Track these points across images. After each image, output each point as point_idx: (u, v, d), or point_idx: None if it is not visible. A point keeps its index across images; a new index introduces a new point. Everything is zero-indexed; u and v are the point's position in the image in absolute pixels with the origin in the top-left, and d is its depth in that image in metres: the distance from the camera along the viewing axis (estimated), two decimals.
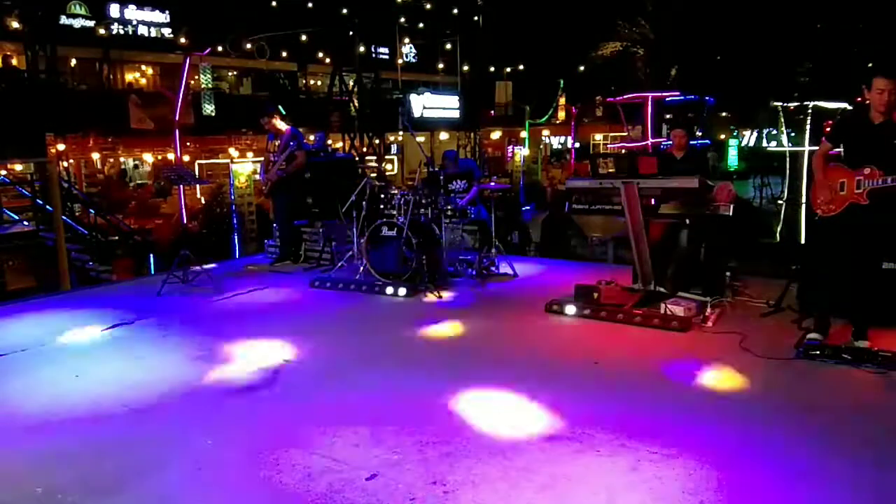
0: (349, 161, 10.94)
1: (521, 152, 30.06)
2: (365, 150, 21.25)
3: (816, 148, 4.86)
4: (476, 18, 29.07)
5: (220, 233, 14.77)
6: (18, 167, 15.77)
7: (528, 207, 21.81)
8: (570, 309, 5.85)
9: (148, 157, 23.47)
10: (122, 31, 23.12)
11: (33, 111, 13.34)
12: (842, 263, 4.73)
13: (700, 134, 21.92)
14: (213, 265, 8.25)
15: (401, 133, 26.52)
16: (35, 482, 3.23)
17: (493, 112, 34.78)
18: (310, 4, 27.27)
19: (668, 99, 22.72)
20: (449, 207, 7.19)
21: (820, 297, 5.02)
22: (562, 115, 35.07)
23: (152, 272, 12.98)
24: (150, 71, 26.17)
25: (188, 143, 21.36)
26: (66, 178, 18.17)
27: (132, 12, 23.32)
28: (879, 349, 4.56)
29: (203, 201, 17.77)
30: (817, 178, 4.82)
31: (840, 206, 4.66)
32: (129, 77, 25.33)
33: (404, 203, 7.00)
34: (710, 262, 6.20)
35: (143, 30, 23.67)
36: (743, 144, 30.12)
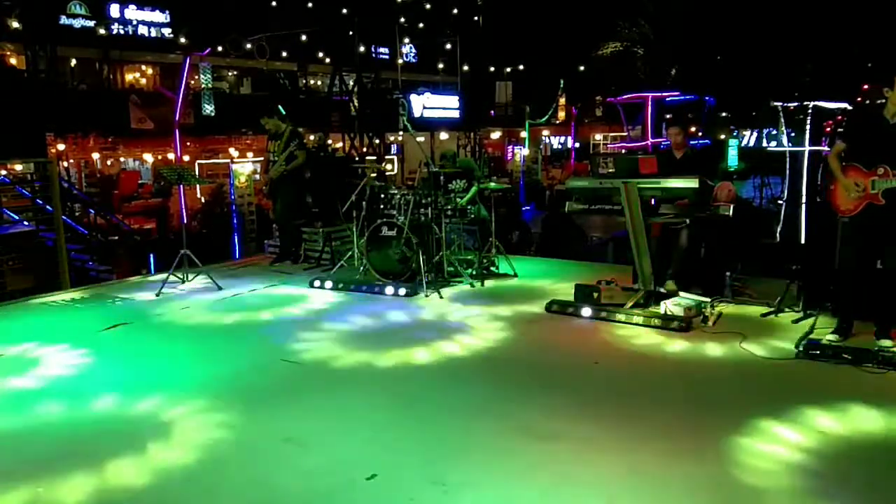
0: (349, 161, 10.95)
1: (521, 152, 30.05)
2: (365, 150, 21.24)
3: (820, 149, 4.85)
4: (476, 18, 29.06)
5: (220, 233, 14.77)
6: (18, 167, 15.76)
7: (528, 207, 21.79)
8: (570, 309, 5.86)
9: (148, 157, 23.47)
10: (122, 31, 23.11)
11: (33, 111, 13.32)
12: (864, 264, 4.71)
13: (700, 133, 21.91)
14: (212, 265, 8.25)
15: (401, 133, 26.52)
16: (35, 482, 3.23)
17: (493, 112, 34.76)
18: (310, 4, 27.24)
19: (668, 99, 22.73)
20: (449, 207, 7.20)
21: (843, 299, 4.99)
22: (562, 115, 35.06)
23: (152, 272, 12.97)
24: (150, 71, 26.17)
25: (188, 143, 21.35)
26: (67, 178, 18.17)
27: (132, 12, 23.31)
28: (880, 349, 4.57)
29: (203, 201, 17.77)
30: (836, 179, 4.79)
31: (858, 207, 4.66)
32: (129, 77, 25.33)
33: (404, 203, 7.00)
34: (710, 262, 6.20)
35: (143, 30, 23.66)
36: (743, 144, 30.09)
